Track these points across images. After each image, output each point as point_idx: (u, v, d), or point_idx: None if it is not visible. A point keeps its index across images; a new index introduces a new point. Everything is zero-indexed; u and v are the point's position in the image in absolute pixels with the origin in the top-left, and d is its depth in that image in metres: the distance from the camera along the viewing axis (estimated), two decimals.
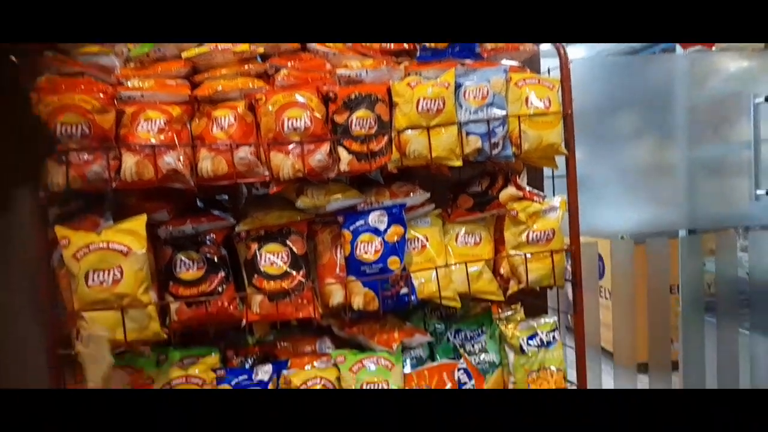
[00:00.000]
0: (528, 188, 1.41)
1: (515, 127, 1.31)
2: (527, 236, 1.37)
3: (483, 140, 1.28)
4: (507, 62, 1.40)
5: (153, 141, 1.10)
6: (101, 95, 1.08)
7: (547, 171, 1.55)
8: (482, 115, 1.28)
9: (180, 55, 1.20)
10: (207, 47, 1.21)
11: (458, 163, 1.29)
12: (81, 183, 1.06)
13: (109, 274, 1.04)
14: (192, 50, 1.20)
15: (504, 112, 1.30)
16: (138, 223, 1.09)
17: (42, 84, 1.07)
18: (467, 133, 1.28)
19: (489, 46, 1.44)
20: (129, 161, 1.08)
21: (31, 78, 1.08)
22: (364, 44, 1.38)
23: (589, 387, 1.46)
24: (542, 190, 1.57)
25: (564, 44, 1.43)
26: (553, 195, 1.47)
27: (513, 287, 1.40)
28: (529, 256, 1.36)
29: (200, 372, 1.19)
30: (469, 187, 1.43)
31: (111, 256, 1.05)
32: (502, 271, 1.43)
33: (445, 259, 1.36)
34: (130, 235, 1.08)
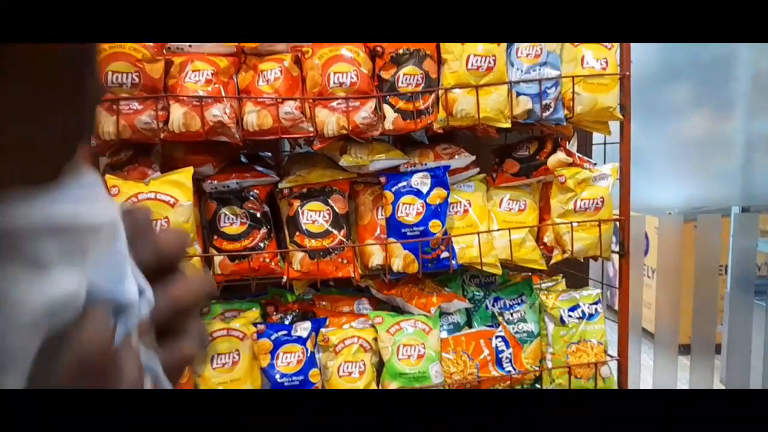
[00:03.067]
0: (578, 154, 1.36)
1: (568, 88, 1.25)
2: (575, 204, 1.32)
3: (534, 101, 1.23)
4: None
5: (200, 92, 1.09)
6: (151, 44, 1.08)
7: (597, 138, 1.49)
8: (534, 75, 1.23)
9: None
10: None
11: (507, 124, 1.24)
12: (130, 132, 1.06)
13: (156, 224, 1.06)
14: None
15: (558, 72, 1.24)
16: (185, 175, 1.10)
17: None
18: (518, 94, 1.24)
19: None
20: (177, 112, 1.08)
21: None
22: None
23: (629, 365, 1.42)
24: (592, 157, 1.51)
25: None
26: (604, 163, 1.41)
27: (557, 256, 1.37)
28: (575, 224, 1.31)
29: (241, 326, 1.21)
30: (516, 151, 1.39)
31: (158, 206, 1.06)
32: (546, 239, 1.39)
33: (488, 224, 1.33)
34: (176, 187, 1.08)
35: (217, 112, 1.10)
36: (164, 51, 1.11)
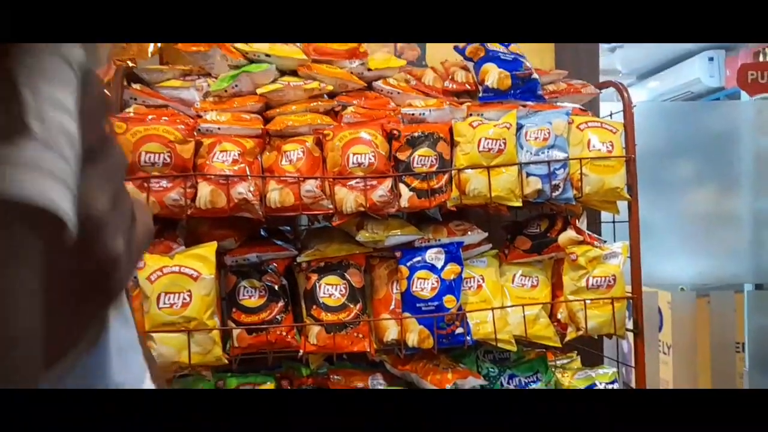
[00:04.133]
0: (588, 232, 1.39)
1: (576, 169, 1.31)
2: (587, 281, 1.34)
3: (543, 182, 1.28)
4: (569, 105, 1.41)
5: (227, 171, 1.16)
6: (182, 127, 1.15)
7: (606, 216, 1.53)
8: (543, 157, 1.29)
9: (255, 91, 1.27)
10: (280, 84, 1.28)
11: (518, 203, 1.29)
12: (159, 208, 1.12)
13: (179, 297, 1.09)
14: (267, 87, 1.27)
15: (565, 155, 1.30)
16: (208, 250, 1.14)
17: (130, 114, 1.16)
18: (528, 174, 1.29)
19: (550, 88, 1.46)
20: (204, 190, 1.14)
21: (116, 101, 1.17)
22: (427, 84, 1.43)
23: None
24: (601, 235, 1.54)
25: (626, 87, 1.43)
26: (614, 240, 1.44)
27: (571, 333, 1.37)
28: (588, 302, 1.33)
29: None
30: (527, 228, 1.43)
31: (182, 279, 1.10)
32: (559, 316, 1.40)
33: (502, 300, 1.35)
34: (200, 261, 1.12)
35: (242, 189, 1.16)
36: (195, 133, 1.18)
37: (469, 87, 1.41)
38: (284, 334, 1.21)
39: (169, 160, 1.13)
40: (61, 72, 0.29)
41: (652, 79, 4.10)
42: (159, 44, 1.31)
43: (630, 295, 1.37)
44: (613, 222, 1.48)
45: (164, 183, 1.13)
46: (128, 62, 1.26)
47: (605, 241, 1.40)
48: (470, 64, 1.41)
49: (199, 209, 1.14)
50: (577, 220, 1.41)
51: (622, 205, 1.39)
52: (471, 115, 1.33)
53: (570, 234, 1.36)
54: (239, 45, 1.29)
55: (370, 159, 1.22)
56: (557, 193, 1.29)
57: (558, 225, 1.40)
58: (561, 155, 1.29)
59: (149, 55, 1.30)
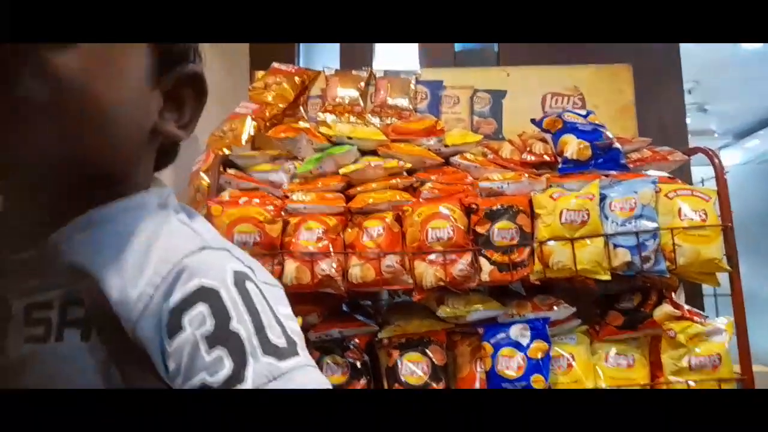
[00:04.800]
0: (687, 306, 1.30)
1: (668, 240, 1.24)
2: (689, 361, 1.23)
3: (632, 253, 1.22)
4: (655, 173, 1.36)
5: (311, 248, 1.20)
6: (271, 208, 1.22)
7: (708, 288, 1.42)
8: (630, 228, 1.24)
9: (338, 171, 1.34)
10: (361, 164, 1.34)
11: (606, 276, 1.23)
12: None
13: None
14: (348, 167, 1.33)
15: (654, 225, 1.24)
16: None
17: (225, 197, 1.25)
18: (615, 246, 1.24)
19: (634, 156, 1.42)
20: (290, 267, 1.19)
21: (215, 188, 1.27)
22: (504, 157, 1.44)
23: None
24: (703, 310, 1.43)
25: (718, 152, 1.37)
26: (716, 315, 1.33)
27: None
28: (692, 384, 1.22)
29: None
30: (619, 302, 1.35)
31: None
32: None
33: (595, 380, 1.27)
34: None
35: (325, 266, 1.19)
36: (282, 213, 1.25)
37: (548, 158, 1.40)
38: None
39: (259, 239, 1.19)
40: None
41: (751, 137, 3.86)
42: (251, 132, 1.42)
43: (739, 376, 1.25)
44: (715, 295, 1.38)
45: None
46: (224, 150, 1.37)
47: (707, 317, 1.29)
48: (548, 136, 1.41)
49: (286, 285, 1.18)
50: (673, 294, 1.32)
51: (723, 277, 1.29)
52: (551, 186, 1.32)
53: (666, 308, 1.28)
54: (323, 130, 1.37)
55: (448, 233, 1.22)
56: (648, 265, 1.22)
57: (652, 299, 1.32)
58: (650, 225, 1.23)
59: (243, 142, 1.41)
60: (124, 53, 0.38)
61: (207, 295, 0.37)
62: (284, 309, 0.40)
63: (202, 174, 1.36)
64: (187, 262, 0.38)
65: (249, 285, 0.38)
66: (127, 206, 0.40)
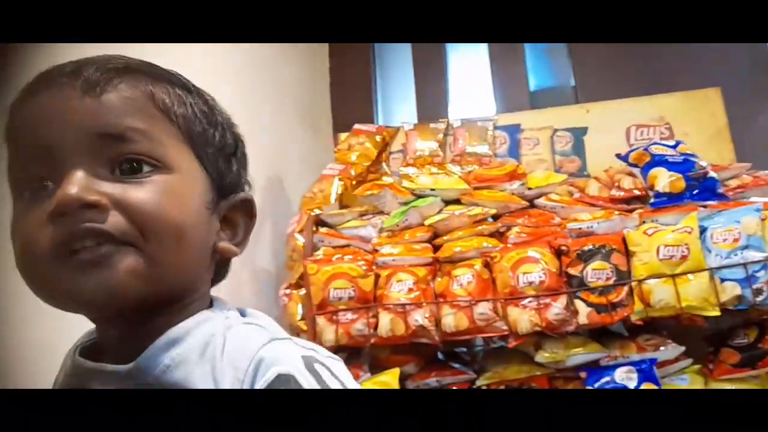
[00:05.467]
0: None
1: None
2: None
3: (742, 286, 1.15)
4: (758, 199, 1.28)
5: (403, 300, 1.24)
6: (362, 263, 1.28)
7: None
8: (737, 259, 1.17)
9: (423, 222, 1.38)
10: (446, 214, 1.37)
11: (715, 312, 1.16)
12: (347, 339, 1.23)
13: None
14: (433, 218, 1.37)
15: (764, 254, 1.16)
16: (392, 376, 1.20)
17: (319, 256, 1.33)
18: (722, 280, 1.17)
19: (733, 183, 1.35)
20: (384, 319, 1.23)
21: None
22: (591, 195, 1.42)
23: None
24: None
25: None
26: None
27: None
28: None
29: None
30: (732, 338, 1.26)
31: None
32: None
33: None
34: (385, 387, 1.18)
35: (418, 317, 1.22)
36: (374, 267, 1.30)
37: (638, 192, 1.37)
38: None
39: (353, 293, 1.25)
40: None
41: None
42: (339, 191, 1.51)
43: None
44: None
45: (350, 315, 1.24)
46: (316, 210, 1.47)
47: None
48: (636, 170, 1.38)
49: (381, 337, 1.23)
50: None
51: None
52: (644, 222, 1.28)
53: None
54: (406, 184, 1.43)
55: (540, 277, 1.21)
56: (761, 297, 1.14)
57: None
58: (758, 255, 1.16)
59: (332, 201, 1.50)
60: (190, 186, 0.45)
61: (286, 381, 0.40)
62: (348, 379, 0.44)
63: (297, 235, 1.45)
64: (262, 353, 0.42)
65: (317, 366, 0.42)
66: (199, 320, 0.45)
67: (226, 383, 0.41)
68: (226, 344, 0.43)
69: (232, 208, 0.49)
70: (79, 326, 0.47)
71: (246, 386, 0.41)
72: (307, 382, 0.41)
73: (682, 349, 1.23)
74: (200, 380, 0.41)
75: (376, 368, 1.28)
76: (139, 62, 0.46)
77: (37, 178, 0.41)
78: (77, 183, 0.39)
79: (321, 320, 1.27)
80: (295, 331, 1.41)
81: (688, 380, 1.22)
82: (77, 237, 0.39)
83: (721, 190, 1.29)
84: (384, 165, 1.67)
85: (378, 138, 1.66)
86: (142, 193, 0.41)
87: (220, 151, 0.48)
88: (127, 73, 0.43)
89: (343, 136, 1.71)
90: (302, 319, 1.35)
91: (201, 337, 0.44)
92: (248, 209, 0.51)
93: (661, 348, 1.22)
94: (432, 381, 1.28)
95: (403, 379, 1.28)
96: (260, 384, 0.40)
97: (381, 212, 1.46)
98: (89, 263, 0.39)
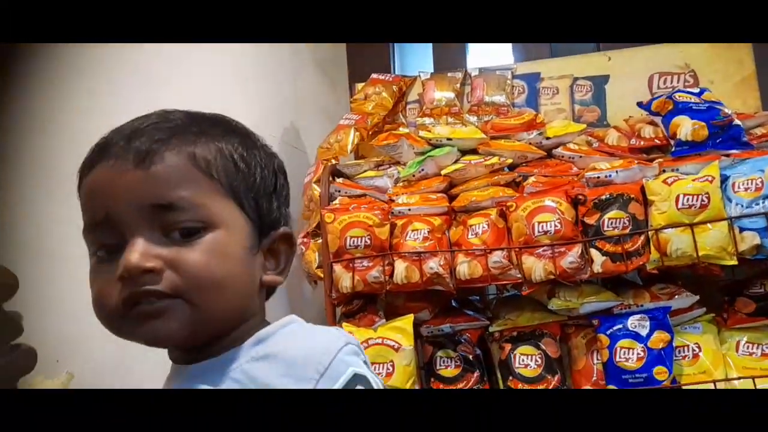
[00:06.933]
0: None
1: None
2: None
3: (762, 236, 1.14)
4: None
5: (419, 248, 1.25)
6: (379, 212, 1.29)
7: None
8: (758, 209, 1.15)
9: (439, 173, 1.38)
10: (462, 164, 1.37)
11: (732, 261, 1.16)
12: (363, 286, 1.25)
13: (383, 367, 1.18)
14: (450, 167, 1.37)
15: None
16: (407, 322, 1.23)
17: (336, 205, 1.34)
18: (741, 229, 1.16)
19: (758, 132, 1.32)
20: (400, 267, 1.24)
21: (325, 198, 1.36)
22: (610, 144, 1.40)
23: None
24: None
25: None
26: None
27: None
28: None
29: None
30: (749, 288, 1.26)
31: (385, 350, 1.19)
32: None
33: (725, 371, 1.19)
34: (400, 332, 1.21)
35: (433, 264, 1.24)
36: (389, 216, 1.31)
37: (658, 142, 1.34)
38: None
39: (369, 242, 1.26)
40: None
41: None
42: (355, 142, 1.50)
43: None
44: None
45: (366, 263, 1.26)
46: (332, 160, 1.47)
47: None
48: (658, 119, 1.35)
49: (396, 284, 1.25)
50: None
51: None
52: (664, 171, 1.26)
53: None
54: (423, 133, 1.42)
55: (555, 226, 1.21)
56: None
57: None
58: None
59: (348, 152, 1.50)
60: (234, 237, 0.51)
61: (360, 381, 0.49)
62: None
63: (314, 185, 1.46)
64: (340, 356, 0.49)
65: (367, 365, 0.52)
66: (279, 324, 0.54)
67: (308, 377, 0.48)
68: (301, 342, 0.51)
69: (274, 242, 0.56)
70: None
71: (325, 378, 0.48)
72: (374, 382, 0.50)
73: (697, 297, 1.23)
74: (283, 378, 0.48)
75: (391, 315, 1.31)
76: (183, 119, 0.53)
77: (104, 243, 0.49)
78: (138, 251, 0.47)
79: (338, 268, 1.29)
80: (313, 279, 1.45)
81: (701, 329, 1.23)
82: (138, 297, 0.47)
83: (745, 139, 1.26)
84: (400, 115, 1.65)
85: (395, 88, 1.64)
86: (191, 254, 0.48)
87: (260, 192, 0.54)
88: (172, 139, 0.50)
89: (359, 86, 1.70)
90: (319, 266, 1.38)
91: (281, 338, 0.52)
92: (288, 241, 0.57)
93: (676, 297, 1.23)
94: (446, 327, 1.30)
95: (417, 325, 1.30)
96: (341, 381, 0.48)
97: (397, 162, 1.46)
98: (146, 315, 0.47)
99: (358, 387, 0.49)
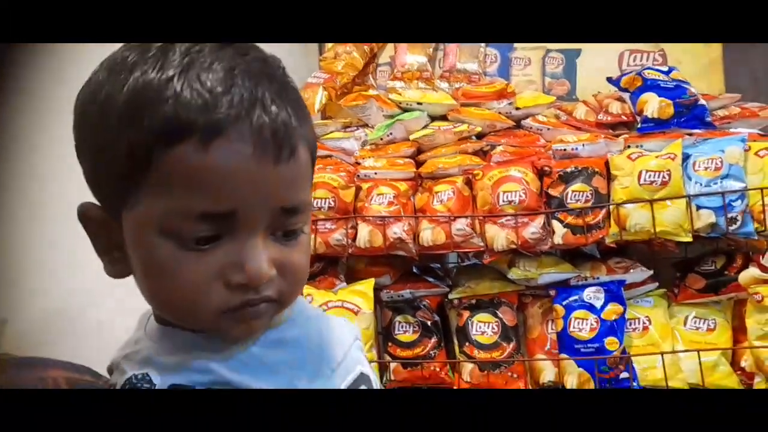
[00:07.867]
0: None
1: (757, 200, 1.17)
2: None
3: (718, 214, 1.17)
4: (744, 130, 1.28)
5: (383, 213, 1.24)
6: (344, 174, 1.27)
7: None
8: (716, 188, 1.18)
9: (408, 138, 1.36)
10: (431, 129, 1.35)
11: (687, 238, 1.19)
12: (325, 248, 1.23)
13: None
14: (418, 132, 1.34)
15: (742, 185, 1.18)
16: (367, 286, 1.22)
17: None
18: (698, 207, 1.19)
19: (721, 113, 1.35)
20: (363, 230, 1.23)
21: None
22: (578, 118, 1.40)
23: None
24: None
25: None
26: None
27: (759, 384, 1.20)
28: None
29: None
30: (700, 265, 1.30)
31: (344, 313, 1.19)
32: (743, 364, 1.23)
33: (672, 344, 1.24)
34: (360, 296, 1.21)
35: (397, 230, 1.23)
36: (355, 179, 1.29)
37: (625, 118, 1.35)
38: (438, 369, 1.24)
39: (333, 204, 1.24)
40: None
41: None
42: (323, 101, 1.46)
43: None
44: None
45: (329, 225, 1.24)
46: None
47: None
48: (626, 95, 1.36)
49: (359, 248, 1.23)
50: (761, 257, 1.25)
51: None
52: (629, 147, 1.27)
53: (753, 272, 1.21)
54: (393, 96, 1.39)
55: (520, 196, 1.22)
56: (735, 226, 1.17)
57: (738, 262, 1.26)
58: (737, 185, 1.17)
59: (315, 111, 1.45)
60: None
61: (365, 380, 0.51)
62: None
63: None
64: (351, 352, 0.51)
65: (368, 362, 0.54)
66: (304, 303, 0.54)
67: (328, 366, 0.49)
68: (322, 337, 0.51)
69: None
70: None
71: (339, 370, 0.49)
72: (374, 382, 0.51)
73: (650, 272, 1.26)
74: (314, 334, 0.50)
75: (352, 278, 1.30)
76: (277, 78, 0.45)
77: (208, 235, 0.42)
78: (263, 259, 0.43)
79: None
80: None
81: (653, 302, 1.27)
82: (255, 303, 0.44)
83: (709, 119, 1.28)
84: (370, 77, 1.61)
85: (366, 48, 1.60)
86: (294, 256, 0.46)
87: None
88: (299, 125, 0.44)
89: (329, 44, 1.64)
90: None
91: (312, 312, 0.53)
92: None
93: (631, 270, 1.26)
94: (406, 293, 1.30)
95: (377, 289, 1.30)
96: (350, 378, 0.50)
97: (365, 125, 1.43)
98: (249, 318, 0.45)
99: (362, 387, 0.50)
